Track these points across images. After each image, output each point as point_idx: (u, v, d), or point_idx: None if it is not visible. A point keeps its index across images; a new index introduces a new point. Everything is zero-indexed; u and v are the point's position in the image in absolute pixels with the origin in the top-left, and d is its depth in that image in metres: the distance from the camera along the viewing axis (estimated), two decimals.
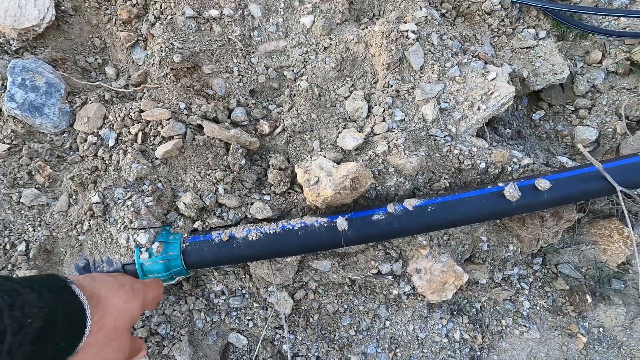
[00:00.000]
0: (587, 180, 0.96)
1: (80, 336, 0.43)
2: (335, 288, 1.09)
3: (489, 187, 0.96)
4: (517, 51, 1.36)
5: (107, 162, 0.99)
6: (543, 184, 0.94)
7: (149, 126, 1.02)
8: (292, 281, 1.08)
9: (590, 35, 1.38)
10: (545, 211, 1.04)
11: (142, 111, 1.03)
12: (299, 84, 1.18)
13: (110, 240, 0.93)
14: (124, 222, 0.91)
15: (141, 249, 0.89)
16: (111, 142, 1.00)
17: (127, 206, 0.93)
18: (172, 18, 1.17)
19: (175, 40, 1.14)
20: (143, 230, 0.91)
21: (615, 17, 1.37)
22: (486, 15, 1.40)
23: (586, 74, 1.33)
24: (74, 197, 0.97)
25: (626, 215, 0.95)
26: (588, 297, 1.08)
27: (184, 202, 0.97)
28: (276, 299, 1.05)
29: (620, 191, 0.94)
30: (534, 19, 1.43)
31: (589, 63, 1.36)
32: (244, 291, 1.07)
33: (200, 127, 1.06)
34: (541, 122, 1.32)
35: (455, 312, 1.09)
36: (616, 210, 1.16)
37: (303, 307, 1.09)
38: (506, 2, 1.41)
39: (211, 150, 1.04)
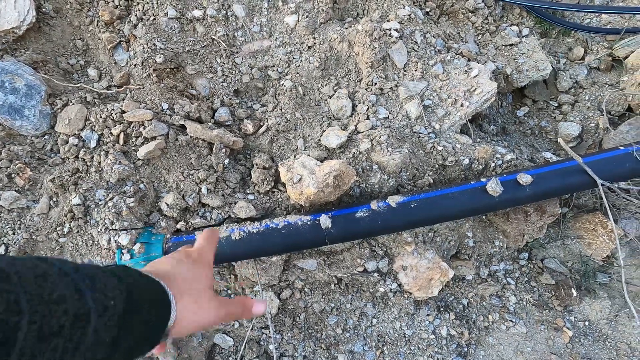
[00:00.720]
0: (568, 175, 0.96)
1: (166, 323, 0.41)
2: (322, 287, 1.09)
3: (472, 182, 0.97)
4: (501, 48, 1.37)
5: (88, 163, 0.98)
6: (525, 178, 0.94)
7: (131, 127, 1.02)
8: (278, 280, 1.08)
9: (573, 32, 1.39)
10: (529, 206, 1.05)
11: (124, 112, 1.03)
12: (283, 83, 1.18)
13: (91, 242, 0.92)
14: (105, 223, 0.90)
15: (123, 251, 0.88)
16: (92, 144, 1.00)
17: (109, 207, 0.92)
18: (154, 19, 1.16)
19: (158, 41, 1.13)
20: (125, 232, 0.90)
21: (596, 14, 1.38)
22: (470, 13, 1.41)
23: (569, 70, 1.34)
24: (54, 199, 0.96)
25: (608, 209, 0.96)
26: (574, 291, 1.08)
27: (166, 203, 0.96)
28: (262, 299, 1.04)
29: (602, 184, 0.94)
30: (517, 16, 1.44)
31: (571, 59, 1.37)
32: (229, 291, 1.06)
33: (183, 127, 1.05)
34: (525, 118, 1.33)
35: (442, 309, 1.09)
36: (600, 204, 1.16)
37: (289, 307, 1.08)
38: (489, 1, 1.42)
39: (194, 151, 1.04)
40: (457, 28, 1.40)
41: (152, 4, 1.18)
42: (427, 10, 1.42)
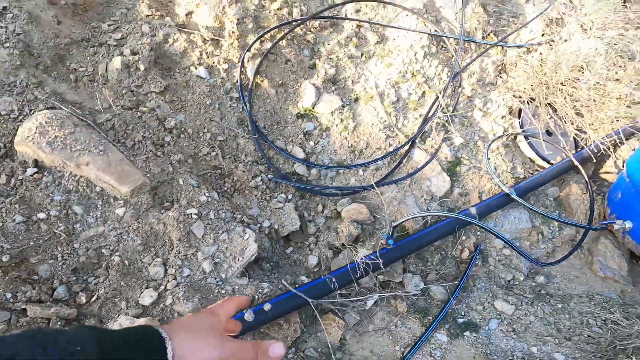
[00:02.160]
0: (293, 299, 1.68)
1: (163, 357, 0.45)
2: None
3: (236, 314, 1.59)
4: (274, 210, 2.18)
5: None
6: (267, 307, 1.61)
7: None
8: None
9: (316, 196, 2.32)
10: (280, 320, 1.72)
11: None
12: (113, 258, 1.68)
13: None
14: None
15: None
16: None
17: None
18: (2, 225, 1.57)
19: (5, 243, 1.53)
20: None
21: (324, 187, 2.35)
22: (253, 189, 2.22)
23: (314, 220, 2.21)
24: None
25: (317, 315, 1.68)
26: None
27: None
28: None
29: (311, 302, 1.68)
30: (285, 187, 2.32)
31: (317, 212, 2.27)
32: None
33: (24, 310, 1.42)
34: (291, 254, 2.10)
35: None
36: (332, 307, 1.92)
37: None
38: (265, 180, 2.27)
39: (32, 328, 1.40)
40: (246, 199, 2.18)
41: (1, 213, 1.60)
42: (225, 188, 2.18)
